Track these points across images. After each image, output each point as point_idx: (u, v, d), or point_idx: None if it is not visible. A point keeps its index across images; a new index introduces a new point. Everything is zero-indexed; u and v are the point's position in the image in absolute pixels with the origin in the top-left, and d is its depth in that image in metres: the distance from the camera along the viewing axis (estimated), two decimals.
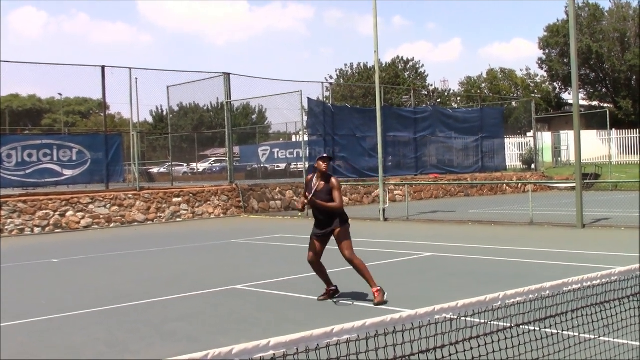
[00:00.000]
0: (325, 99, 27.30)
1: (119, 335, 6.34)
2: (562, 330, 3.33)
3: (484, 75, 58.95)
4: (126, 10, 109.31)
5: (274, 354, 2.21)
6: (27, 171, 18.67)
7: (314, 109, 24.96)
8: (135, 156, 21.23)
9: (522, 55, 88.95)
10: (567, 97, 51.64)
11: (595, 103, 49.06)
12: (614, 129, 36.73)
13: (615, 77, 47.24)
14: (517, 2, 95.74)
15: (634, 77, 46.38)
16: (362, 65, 53.78)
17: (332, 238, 7.42)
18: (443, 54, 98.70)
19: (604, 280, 3.51)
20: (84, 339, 6.26)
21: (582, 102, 44.73)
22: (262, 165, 29.32)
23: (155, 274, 10.27)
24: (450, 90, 57.53)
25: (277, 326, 6.39)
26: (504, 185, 29.42)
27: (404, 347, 2.63)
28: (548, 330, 3.31)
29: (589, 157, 33.04)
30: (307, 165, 21.57)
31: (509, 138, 36.74)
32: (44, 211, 18.06)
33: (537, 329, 3.22)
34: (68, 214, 18.45)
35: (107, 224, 19.01)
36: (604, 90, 49.24)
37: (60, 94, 44.02)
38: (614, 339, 3.91)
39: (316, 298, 7.55)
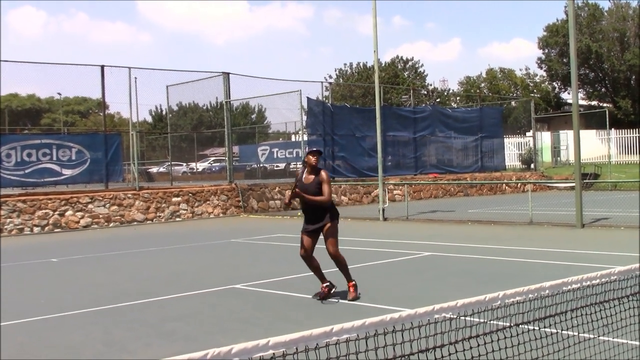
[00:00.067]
0: (324, 99, 27.30)
1: (117, 335, 6.33)
2: (562, 330, 3.33)
3: (484, 75, 58.98)
4: (126, 9, 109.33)
5: (274, 354, 2.21)
6: (27, 171, 18.66)
7: (314, 108, 24.96)
8: (134, 156, 21.22)
9: (522, 55, 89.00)
10: (567, 96, 51.70)
11: (594, 103, 49.08)
12: (613, 129, 36.75)
13: (614, 77, 47.27)
14: (517, 2, 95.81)
15: (633, 77, 46.41)
16: (361, 64, 53.82)
17: None
18: (442, 54, 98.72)
19: (603, 279, 3.51)
20: (83, 338, 6.25)
21: (581, 102, 44.69)
22: (261, 165, 29.32)
23: (154, 273, 10.27)
24: (449, 90, 57.57)
25: (277, 325, 6.39)
26: (504, 184, 29.43)
27: (404, 346, 2.63)
28: (547, 329, 3.30)
29: (588, 157, 33.05)
30: None
31: (509, 138, 36.74)
32: (44, 211, 18.06)
33: (537, 328, 3.22)
34: (67, 213, 18.45)
35: (106, 224, 19.00)
36: (603, 90, 49.27)
37: (59, 94, 43.98)
38: (613, 338, 3.91)
39: (319, 298, 7.54)
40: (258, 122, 43.20)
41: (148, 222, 19.74)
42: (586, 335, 3.56)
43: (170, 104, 26.54)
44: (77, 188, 20.40)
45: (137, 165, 21.90)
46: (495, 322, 3.03)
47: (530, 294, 3.10)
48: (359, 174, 25.95)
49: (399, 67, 55.20)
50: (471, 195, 28.19)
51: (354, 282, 7.49)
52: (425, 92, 50.13)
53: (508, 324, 3.11)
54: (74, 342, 6.14)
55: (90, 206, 18.87)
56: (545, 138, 39.16)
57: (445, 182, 26.84)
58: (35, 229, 17.82)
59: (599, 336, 3.76)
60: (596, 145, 36.54)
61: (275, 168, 28.90)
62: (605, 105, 45.54)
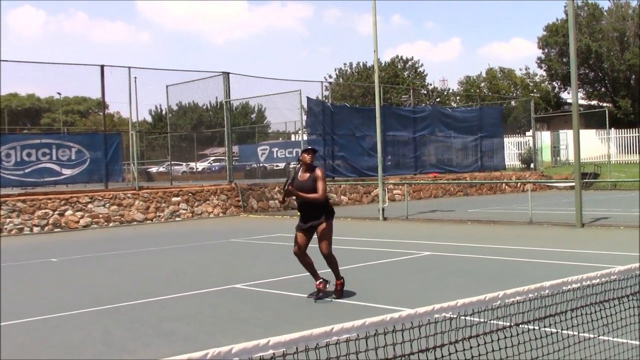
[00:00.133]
0: (324, 98, 27.30)
1: (117, 335, 6.33)
2: (562, 330, 3.33)
3: (483, 75, 59.00)
4: (125, 9, 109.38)
5: (274, 354, 2.21)
6: (26, 170, 18.65)
7: (313, 108, 24.96)
8: (134, 155, 21.21)
9: (521, 54, 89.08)
10: (566, 96, 51.72)
11: (594, 102, 49.10)
12: (612, 128, 36.78)
13: (614, 77, 47.28)
14: (516, 1, 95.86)
15: (633, 77, 46.43)
16: (361, 64, 53.83)
17: None
18: (442, 54, 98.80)
19: (603, 279, 3.51)
20: (82, 338, 6.25)
21: (581, 102, 44.74)
22: (261, 165, 29.31)
23: (154, 273, 10.26)
24: (449, 89, 57.60)
25: (277, 325, 6.38)
26: (503, 184, 29.43)
27: (404, 346, 2.63)
28: (547, 329, 3.30)
29: (588, 157, 33.07)
30: None
31: (508, 137, 36.75)
32: (43, 210, 18.06)
33: (537, 328, 3.21)
34: (67, 213, 18.44)
35: (106, 224, 19.00)
36: (603, 89, 49.29)
37: (59, 93, 43.96)
38: (613, 338, 3.91)
39: (314, 298, 7.54)
40: (258, 121, 43.21)
41: (148, 221, 19.73)
42: (586, 335, 3.56)
43: (170, 103, 26.55)
44: (76, 188, 20.41)
45: (137, 165, 21.89)
46: (495, 321, 3.02)
47: (530, 293, 3.10)
48: (358, 173, 25.95)
49: (399, 66, 55.21)
50: (471, 195, 28.19)
51: (341, 281, 7.60)
52: (425, 92, 50.13)
53: (508, 324, 3.11)
54: (73, 342, 6.14)
55: (90, 206, 18.86)
56: (545, 138, 39.18)
57: (445, 181, 26.84)
58: (35, 229, 17.81)
59: (599, 336, 3.76)
60: (596, 145, 36.56)
61: (275, 168, 28.89)
62: (604, 104, 45.59)
